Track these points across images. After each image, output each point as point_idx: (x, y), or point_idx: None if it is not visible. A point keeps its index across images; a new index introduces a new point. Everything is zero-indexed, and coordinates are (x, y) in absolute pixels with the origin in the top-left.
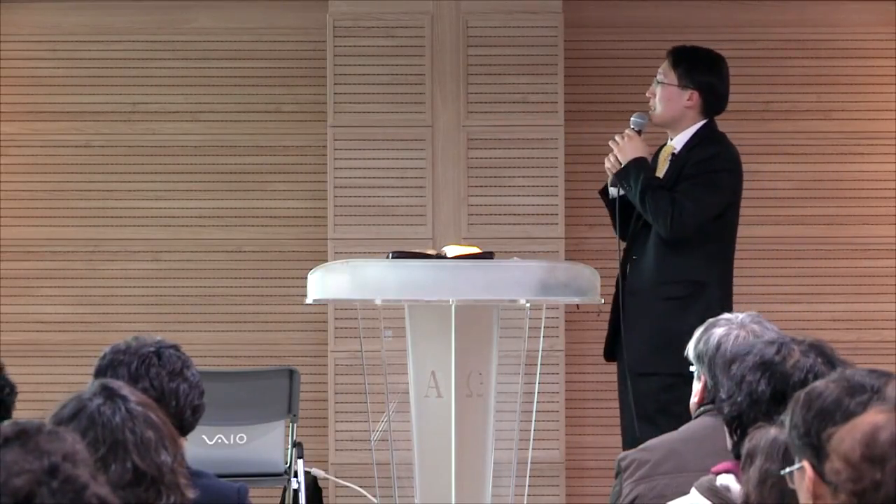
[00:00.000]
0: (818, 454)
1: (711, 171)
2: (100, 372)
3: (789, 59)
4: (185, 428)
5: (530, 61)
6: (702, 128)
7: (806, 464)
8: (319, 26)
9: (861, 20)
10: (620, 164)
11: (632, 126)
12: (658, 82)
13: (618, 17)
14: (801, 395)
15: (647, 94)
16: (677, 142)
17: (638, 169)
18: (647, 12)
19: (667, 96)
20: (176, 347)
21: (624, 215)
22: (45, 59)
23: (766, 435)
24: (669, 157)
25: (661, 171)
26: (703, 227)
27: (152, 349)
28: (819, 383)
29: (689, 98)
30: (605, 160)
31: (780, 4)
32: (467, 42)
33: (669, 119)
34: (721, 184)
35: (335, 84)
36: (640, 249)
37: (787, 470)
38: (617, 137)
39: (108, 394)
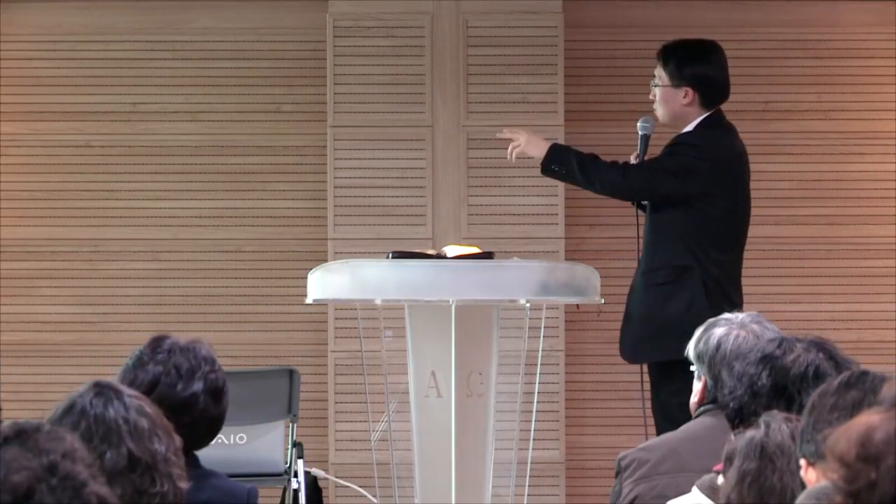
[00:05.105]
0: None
1: (674, 153)
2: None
3: (789, 59)
4: (198, 443)
5: (530, 61)
6: (702, 121)
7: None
8: (319, 26)
9: (861, 20)
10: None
11: (639, 132)
12: (654, 85)
13: (618, 17)
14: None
15: (649, 98)
16: None
17: (563, 149)
18: (647, 12)
19: (664, 98)
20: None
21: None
22: (45, 59)
23: (743, 437)
24: None
25: None
26: (654, 197)
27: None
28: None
29: (684, 95)
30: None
31: (780, 4)
32: (467, 42)
33: (672, 119)
34: (681, 165)
35: (335, 84)
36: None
37: None
38: (507, 131)
39: (99, 389)
